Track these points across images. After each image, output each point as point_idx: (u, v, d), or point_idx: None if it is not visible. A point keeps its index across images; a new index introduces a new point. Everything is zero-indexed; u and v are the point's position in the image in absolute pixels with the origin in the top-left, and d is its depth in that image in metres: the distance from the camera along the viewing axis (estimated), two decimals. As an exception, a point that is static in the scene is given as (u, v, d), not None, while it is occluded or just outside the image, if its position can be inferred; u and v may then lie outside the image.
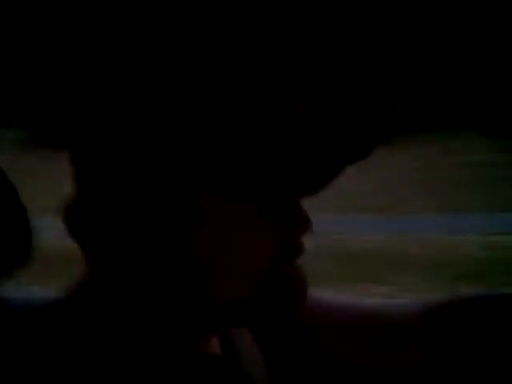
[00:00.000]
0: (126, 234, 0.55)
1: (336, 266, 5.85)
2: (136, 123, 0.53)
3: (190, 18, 0.53)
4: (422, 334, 0.69)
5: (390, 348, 0.70)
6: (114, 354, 0.54)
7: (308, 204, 0.56)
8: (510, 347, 0.68)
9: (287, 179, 0.53)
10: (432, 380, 0.69)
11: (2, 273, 0.60)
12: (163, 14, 0.53)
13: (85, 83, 0.55)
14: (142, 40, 0.53)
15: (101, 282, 0.57)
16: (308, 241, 0.57)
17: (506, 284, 4.77)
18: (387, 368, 0.69)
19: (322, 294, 0.73)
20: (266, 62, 0.52)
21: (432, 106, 9.70)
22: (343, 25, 0.54)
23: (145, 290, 0.56)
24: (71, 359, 0.54)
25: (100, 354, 0.54)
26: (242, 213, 0.54)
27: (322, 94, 0.52)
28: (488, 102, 10.47)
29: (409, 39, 0.56)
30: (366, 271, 5.74)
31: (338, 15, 0.54)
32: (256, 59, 0.52)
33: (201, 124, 0.52)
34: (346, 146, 0.53)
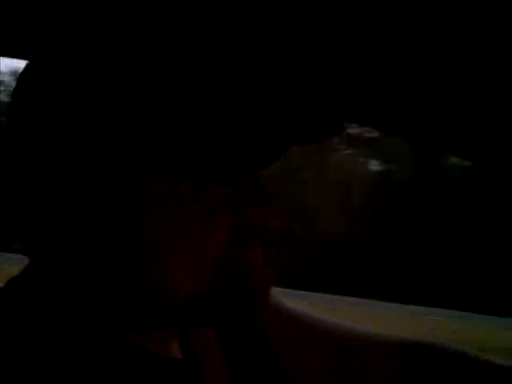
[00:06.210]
0: (70, 228, 0.49)
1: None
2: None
3: None
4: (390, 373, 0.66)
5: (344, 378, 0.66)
6: (70, 358, 0.50)
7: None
8: None
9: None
10: None
11: None
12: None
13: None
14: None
15: (46, 280, 0.52)
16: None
17: None
18: None
19: (284, 300, 0.68)
20: None
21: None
22: None
23: (97, 291, 0.51)
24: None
25: (56, 359, 0.49)
26: (192, 195, 0.49)
27: None
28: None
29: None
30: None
31: None
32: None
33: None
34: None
